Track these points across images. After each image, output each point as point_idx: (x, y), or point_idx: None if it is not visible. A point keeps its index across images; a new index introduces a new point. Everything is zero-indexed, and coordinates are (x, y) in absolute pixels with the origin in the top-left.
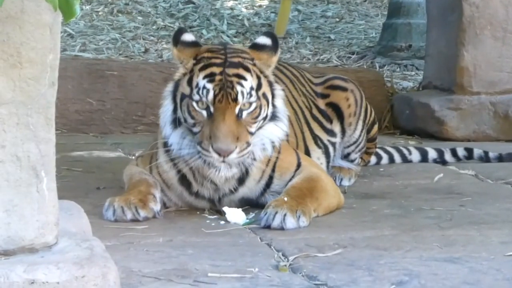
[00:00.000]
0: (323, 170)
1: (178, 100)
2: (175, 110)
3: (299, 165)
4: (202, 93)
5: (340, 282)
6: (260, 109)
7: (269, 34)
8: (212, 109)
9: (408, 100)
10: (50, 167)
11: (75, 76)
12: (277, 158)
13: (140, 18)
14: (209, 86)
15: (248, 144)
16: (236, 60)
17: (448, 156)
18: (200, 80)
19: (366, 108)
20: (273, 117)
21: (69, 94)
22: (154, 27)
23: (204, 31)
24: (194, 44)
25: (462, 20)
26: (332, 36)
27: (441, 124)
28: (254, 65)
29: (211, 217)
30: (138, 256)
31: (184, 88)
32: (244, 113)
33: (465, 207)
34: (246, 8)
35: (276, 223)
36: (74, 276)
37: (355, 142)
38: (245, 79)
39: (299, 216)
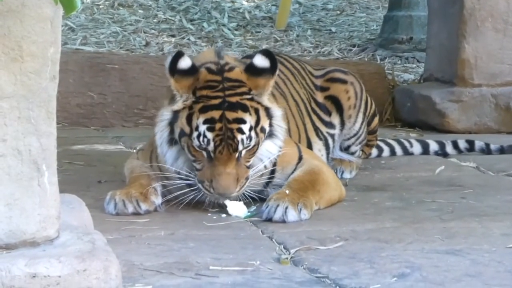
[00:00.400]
0: (325, 163)
1: (177, 131)
2: (171, 133)
3: (300, 158)
4: (203, 141)
5: (342, 275)
6: (258, 144)
7: (267, 54)
8: (212, 154)
9: (409, 93)
10: (51, 161)
11: (76, 70)
12: (278, 153)
13: (141, 11)
14: (210, 136)
15: (247, 178)
16: (234, 100)
17: (449, 149)
18: (201, 124)
19: (366, 100)
20: (270, 134)
21: (70, 87)
22: (155, 20)
23: (205, 24)
24: (191, 71)
25: (463, 12)
26: (333, 29)
27: (442, 116)
28: (252, 99)
29: (212, 210)
30: (140, 249)
31: (184, 125)
32: (243, 153)
33: (466, 199)
34: (247, 1)
35: (277, 216)
36: (75, 269)
37: (355, 135)
38: (244, 122)
39: (301, 209)
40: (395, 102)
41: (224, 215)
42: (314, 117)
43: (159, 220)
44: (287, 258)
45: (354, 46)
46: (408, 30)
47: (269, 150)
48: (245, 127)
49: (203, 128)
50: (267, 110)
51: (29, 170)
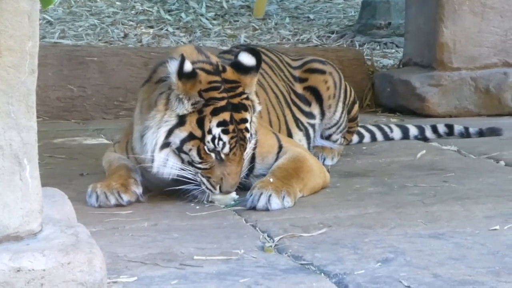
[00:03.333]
0: (307, 150)
1: (179, 135)
2: (167, 137)
3: (280, 147)
4: (218, 144)
5: (326, 261)
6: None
7: (253, 52)
8: (223, 156)
9: (389, 78)
10: (33, 155)
11: (55, 63)
12: (255, 145)
13: (118, 3)
14: (226, 138)
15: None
16: (236, 100)
17: (428, 133)
18: (214, 127)
19: (345, 89)
20: None
21: (50, 81)
22: (132, 12)
23: (183, 15)
24: (194, 74)
25: None
26: (311, 16)
27: (422, 100)
28: (247, 98)
29: (195, 200)
30: (124, 241)
31: (194, 129)
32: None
33: (448, 183)
34: None
35: (261, 204)
36: (60, 263)
37: (336, 124)
38: (247, 121)
39: (284, 197)
40: (375, 88)
41: (207, 205)
42: (294, 108)
43: (142, 211)
44: (271, 246)
45: (332, 33)
46: (386, 16)
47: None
48: (248, 126)
49: (217, 131)
50: (254, 106)
51: (11, 164)
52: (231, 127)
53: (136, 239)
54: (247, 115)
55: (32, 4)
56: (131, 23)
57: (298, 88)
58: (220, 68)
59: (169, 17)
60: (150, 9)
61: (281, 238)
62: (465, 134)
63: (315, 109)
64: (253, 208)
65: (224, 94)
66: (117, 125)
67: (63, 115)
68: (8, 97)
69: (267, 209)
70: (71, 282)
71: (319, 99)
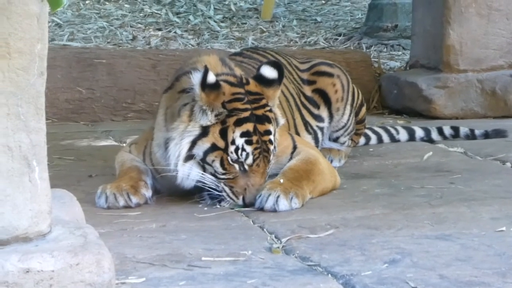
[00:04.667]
0: (320, 153)
1: (202, 146)
2: (190, 149)
3: (294, 148)
4: (241, 155)
5: (333, 262)
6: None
7: (276, 65)
8: (247, 167)
9: (395, 80)
10: (42, 157)
11: (64, 65)
12: None
13: (127, 5)
14: (249, 149)
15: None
16: (260, 112)
17: (434, 135)
18: (238, 138)
19: (353, 91)
20: None
21: (59, 83)
22: (141, 14)
23: (191, 17)
24: (217, 86)
25: None
26: (319, 19)
27: (429, 102)
28: (271, 110)
29: (203, 201)
30: (132, 242)
31: (217, 140)
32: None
33: (455, 184)
34: None
35: (269, 205)
36: (68, 264)
37: (343, 127)
38: (271, 133)
39: (292, 198)
40: (382, 90)
41: (215, 206)
42: (304, 111)
43: (150, 213)
44: (278, 247)
45: (339, 35)
46: (393, 18)
47: None
48: (272, 138)
49: (241, 141)
50: (277, 119)
51: (20, 166)
52: (254, 138)
53: (144, 240)
54: (271, 127)
55: (41, 7)
56: (139, 25)
57: (307, 90)
58: (244, 80)
59: (177, 20)
60: (159, 12)
61: (288, 239)
62: (471, 136)
63: (323, 112)
64: (261, 209)
65: (248, 106)
66: (125, 127)
67: (72, 117)
68: (17, 99)
69: (274, 210)
70: (79, 283)
71: (328, 102)
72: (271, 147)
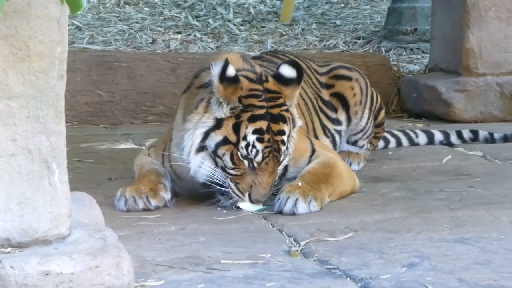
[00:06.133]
0: (339, 156)
1: (215, 139)
2: (203, 140)
3: (313, 151)
4: (251, 151)
5: (352, 266)
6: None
7: (295, 65)
8: (256, 164)
9: (415, 83)
10: (62, 159)
11: (84, 68)
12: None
13: (147, 9)
14: (259, 146)
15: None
16: (275, 111)
17: (454, 138)
18: (250, 134)
19: (372, 95)
20: None
21: (79, 86)
22: (161, 17)
23: (210, 20)
24: (235, 80)
25: (467, 2)
26: (338, 22)
27: (448, 106)
28: (287, 110)
29: (222, 205)
30: (151, 245)
31: (229, 133)
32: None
33: (474, 188)
34: None
35: (287, 208)
36: (88, 266)
37: (362, 130)
38: (284, 133)
39: (310, 201)
40: (401, 93)
41: (234, 209)
42: (322, 115)
43: (169, 216)
44: (297, 250)
45: (359, 38)
46: (412, 21)
47: None
48: (285, 138)
49: (252, 138)
50: (293, 120)
51: (40, 169)
52: (266, 136)
53: (163, 243)
54: (285, 127)
55: (61, 10)
56: (159, 28)
57: (325, 94)
58: (263, 77)
59: (197, 23)
60: (178, 15)
61: (307, 243)
62: (490, 139)
63: (341, 116)
64: (280, 212)
65: (264, 103)
66: (145, 130)
67: (92, 120)
68: (37, 102)
69: (293, 213)
70: (99, 286)
71: (346, 106)
72: (283, 148)
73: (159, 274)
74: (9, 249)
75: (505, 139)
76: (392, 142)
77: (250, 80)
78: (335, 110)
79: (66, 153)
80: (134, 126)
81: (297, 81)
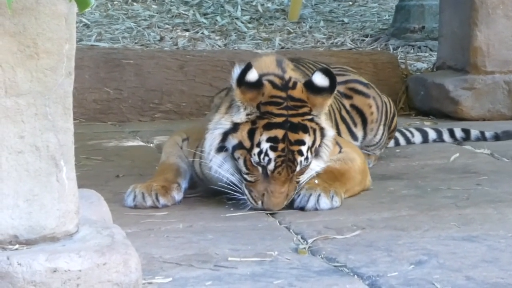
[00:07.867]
0: (361, 154)
1: (231, 142)
2: (222, 141)
3: (340, 151)
4: (263, 159)
5: (359, 263)
6: (311, 163)
7: (327, 73)
8: (269, 173)
9: (422, 81)
10: (69, 156)
11: (91, 66)
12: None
13: (154, 6)
14: (272, 155)
15: (294, 194)
16: (296, 120)
17: (446, 137)
18: (263, 142)
19: (386, 110)
20: (317, 154)
21: (86, 83)
22: (169, 15)
23: (218, 18)
24: (257, 84)
25: (474, 0)
26: (346, 20)
27: (456, 104)
28: (312, 120)
29: (230, 202)
30: (159, 242)
31: (244, 139)
32: (297, 171)
33: (481, 186)
34: None
35: (310, 204)
36: (95, 263)
37: (375, 144)
38: (304, 143)
39: (333, 196)
40: (409, 91)
41: (241, 207)
42: (342, 127)
43: (177, 213)
44: (304, 248)
45: (366, 36)
46: (420, 19)
47: (312, 168)
48: (304, 149)
49: (265, 146)
50: (322, 130)
51: (48, 166)
52: (280, 146)
53: (171, 240)
54: (306, 138)
55: (69, 7)
56: (167, 26)
57: (346, 103)
58: (290, 84)
59: (204, 21)
60: (186, 13)
61: (315, 240)
62: (482, 138)
63: (359, 131)
64: (301, 209)
65: (284, 111)
66: (152, 127)
67: (100, 117)
68: (45, 99)
69: (316, 209)
70: (106, 283)
71: (364, 122)
72: (300, 158)
73: (166, 271)
74: (17, 246)
75: (496, 137)
76: (391, 143)
77: (274, 85)
78: (355, 124)
79: (74, 150)
80: (142, 124)
81: (329, 90)
